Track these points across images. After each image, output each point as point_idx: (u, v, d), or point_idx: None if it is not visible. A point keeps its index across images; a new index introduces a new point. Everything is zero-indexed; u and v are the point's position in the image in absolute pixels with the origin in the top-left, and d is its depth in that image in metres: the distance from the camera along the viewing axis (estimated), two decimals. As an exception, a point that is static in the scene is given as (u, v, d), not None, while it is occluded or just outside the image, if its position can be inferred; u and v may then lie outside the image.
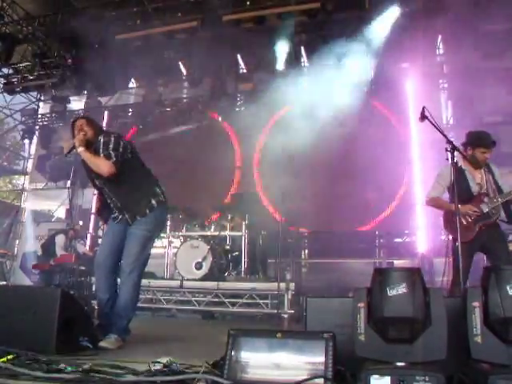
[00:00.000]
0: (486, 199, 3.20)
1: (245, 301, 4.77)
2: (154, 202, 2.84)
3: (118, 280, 2.84)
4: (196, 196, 7.56)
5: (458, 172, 3.25)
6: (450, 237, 3.27)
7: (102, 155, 2.68)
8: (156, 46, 7.62)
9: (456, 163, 3.29)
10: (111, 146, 2.70)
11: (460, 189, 3.13)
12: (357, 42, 6.89)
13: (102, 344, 2.59)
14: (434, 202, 3.36)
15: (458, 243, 2.88)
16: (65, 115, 9.38)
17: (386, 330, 1.71)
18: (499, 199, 3.21)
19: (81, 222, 7.92)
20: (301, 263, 6.97)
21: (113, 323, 2.75)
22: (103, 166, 2.67)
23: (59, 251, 5.78)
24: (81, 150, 2.75)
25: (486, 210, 3.14)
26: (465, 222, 3.18)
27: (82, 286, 5.37)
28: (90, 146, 2.79)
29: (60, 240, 5.86)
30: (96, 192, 3.05)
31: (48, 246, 5.92)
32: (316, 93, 7.10)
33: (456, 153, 3.19)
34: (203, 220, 5.94)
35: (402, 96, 7.47)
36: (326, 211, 6.73)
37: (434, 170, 6.28)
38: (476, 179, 3.29)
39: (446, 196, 3.41)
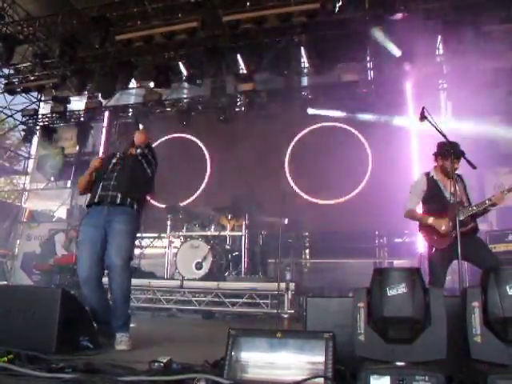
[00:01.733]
0: (460, 208, 3.22)
1: (245, 301, 4.77)
2: (139, 206, 2.99)
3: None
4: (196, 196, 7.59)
5: (431, 182, 3.37)
6: (430, 250, 3.31)
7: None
8: (156, 46, 7.63)
9: (428, 174, 3.40)
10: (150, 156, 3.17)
11: (434, 198, 3.28)
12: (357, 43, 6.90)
13: (120, 347, 2.63)
14: (409, 215, 3.40)
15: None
16: (65, 115, 9.39)
17: (385, 329, 1.71)
18: (474, 208, 3.28)
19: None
20: (301, 263, 6.97)
21: (116, 324, 2.76)
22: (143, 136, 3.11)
23: (60, 250, 5.78)
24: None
25: (461, 217, 3.15)
26: (440, 231, 3.23)
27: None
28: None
29: (60, 239, 5.86)
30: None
31: (48, 245, 5.92)
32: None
33: (433, 168, 3.37)
34: (203, 220, 5.94)
35: (401, 96, 7.47)
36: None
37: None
38: (447, 189, 3.31)
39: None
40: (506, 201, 3.30)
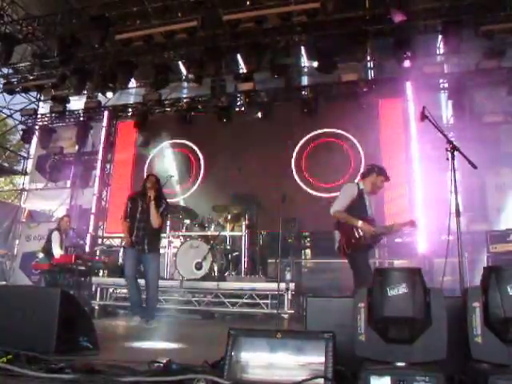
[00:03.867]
0: (374, 223, 3.54)
1: (245, 301, 4.76)
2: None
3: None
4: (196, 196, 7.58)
5: (360, 194, 3.60)
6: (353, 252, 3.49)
7: (159, 212, 4.13)
8: (156, 45, 7.62)
9: (358, 185, 3.65)
10: (164, 211, 4.21)
11: (359, 208, 3.54)
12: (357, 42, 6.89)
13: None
14: (339, 214, 3.55)
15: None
16: (64, 115, 9.38)
17: (386, 329, 1.71)
18: (386, 227, 3.71)
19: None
20: (301, 263, 6.96)
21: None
22: (157, 220, 4.10)
23: (56, 250, 5.76)
24: (152, 202, 4.11)
25: (378, 232, 3.52)
26: (358, 235, 3.46)
27: (82, 286, 5.36)
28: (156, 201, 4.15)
29: (55, 238, 5.83)
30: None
31: (47, 247, 5.90)
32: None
33: (361, 180, 3.64)
34: (203, 220, 5.93)
35: (401, 96, 7.47)
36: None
37: (434, 170, 6.33)
38: (370, 205, 3.65)
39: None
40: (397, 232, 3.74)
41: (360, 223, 3.42)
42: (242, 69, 8.62)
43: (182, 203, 7.59)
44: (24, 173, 10.32)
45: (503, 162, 6.81)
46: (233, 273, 5.58)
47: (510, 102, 6.90)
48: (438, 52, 7.91)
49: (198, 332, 4.27)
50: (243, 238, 5.48)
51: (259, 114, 7.77)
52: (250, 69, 8.11)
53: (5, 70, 9.06)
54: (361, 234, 3.43)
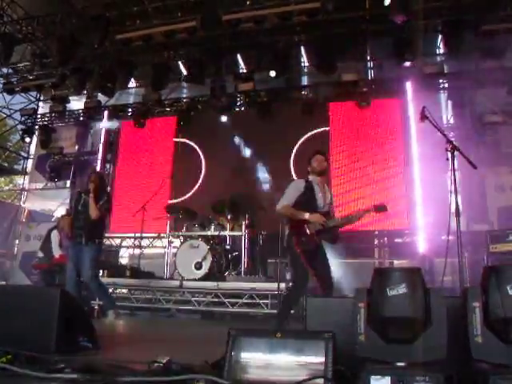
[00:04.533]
0: (327, 217, 3.34)
1: (245, 301, 4.76)
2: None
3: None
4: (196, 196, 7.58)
5: (308, 187, 3.43)
6: (298, 249, 3.31)
7: (98, 204, 4.27)
8: (156, 45, 7.62)
9: (307, 179, 3.50)
10: (105, 204, 4.35)
11: (308, 202, 3.36)
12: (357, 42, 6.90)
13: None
14: (285, 210, 3.39)
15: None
16: (64, 115, 9.37)
17: (386, 330, 1.71)
18: (339, 220, 3.42)
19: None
20: (301, 263, 6.94)
21: None
22: (94, 211, 4.24)
23: (56, 250, 5.75)
24: (91, 195, 4.28)
25: (331, 225, 3.31)
26: (309, 232, 3.30)
27: (81, 287, 5.36)
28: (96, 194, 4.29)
29: (55, 238, 5.83)
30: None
31: (46, 247, 5.89)
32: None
33: (308, 174, 3.49)
34: (203, 220, 5.93)
35: (401, 96, 7.47)
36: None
37: (434, 170, 6.33)
38: (321, 195, 3.45)
39: None
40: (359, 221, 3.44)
41: (307, 215, 3.25)
42: (242, 69, 8.62)
43: (182, 203, 7.60)
44: (24, 173, 10.32)
45: (503, 162, 6.81)
46: (233, 273, 5.57)
47: (510, 102, 6.90)
48: (437, 52, 7.91)
49: (198, 332, 4.27)
50: (243, 237, 5.48)
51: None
52: (250, 69, 8.12)
53: (4, 70, 9.06)
54: (312, 231, 3.27)
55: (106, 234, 8.68)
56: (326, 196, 3.51)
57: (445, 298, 1.78)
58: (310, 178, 3.52)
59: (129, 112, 9.31)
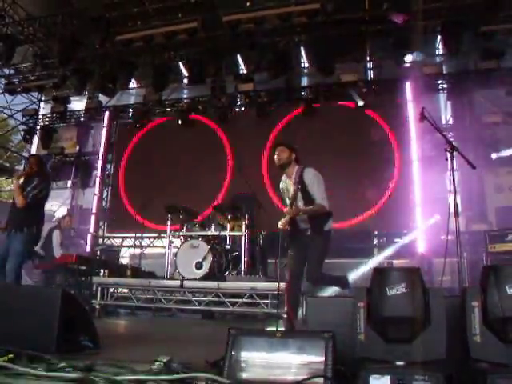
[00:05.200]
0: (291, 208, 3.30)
1: (245, 301, 4.77)
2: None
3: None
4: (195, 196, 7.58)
5: (284, 186, 3.51)
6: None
7: (25, 190, 3.95)
8: (156, 46, 7.63)
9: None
10: (33, 190, 3.96)
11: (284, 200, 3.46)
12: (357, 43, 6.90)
13: None
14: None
15: None
16: (65, 115, 9.39)
17: (385, 329, 1.71)
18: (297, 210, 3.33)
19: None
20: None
21: None
22: (18, 198, 3.95)
23: (57, 250, 5.77)
24: (16, 181, 4.06)
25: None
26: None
27: (82, 286, 5.38)
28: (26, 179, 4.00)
29: (56, 237, 5.83)
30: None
31: (47, 246, 5.90)
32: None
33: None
34: (203, 220, 5.94)
35: (401, 96, 7.47)
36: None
37: (433, 171, 6.34)
38: (289, 192, 3.42)
39: None
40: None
41: (284, 210, 3.36)
42: (242, 69, 8.63)
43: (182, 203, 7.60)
44: (24, 173, 10.32)
45: (502, 162, 6.82)
46: (233, 273, 5.58)
47: (509, 102, 6.90)
48: (437, 52, 7.92)
49: (198, 332, 4.28)
50: (243, 237, 5.48)
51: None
52: (250, 69, 8.13)
53: (6, 71, 9.07)
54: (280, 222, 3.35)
55: (107, 234, 8.73)
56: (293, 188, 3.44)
57: (444, 297, 1.79)
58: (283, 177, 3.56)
59: (129, 112, 9.33)
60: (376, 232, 7.27)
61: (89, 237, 8.40)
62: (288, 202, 3.35)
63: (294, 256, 3.37)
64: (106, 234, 8.72)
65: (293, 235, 3.38)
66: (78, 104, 9.57)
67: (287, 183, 3.48)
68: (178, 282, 5.05)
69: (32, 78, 8.87)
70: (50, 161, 9.47)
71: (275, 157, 3.44)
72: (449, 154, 3.10)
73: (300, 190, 3.29)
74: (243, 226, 5.49)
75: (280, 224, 3.31)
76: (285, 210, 3.33)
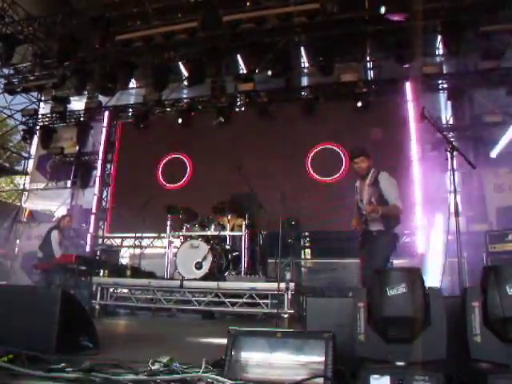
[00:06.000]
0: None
1: (245, 301, 4.76)
2: None
3: None
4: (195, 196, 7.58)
5: (356, 187, 3.72)
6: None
7: None
8: (156, 46, 7.63)
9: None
10: None
11: (355, 202, 3.66)
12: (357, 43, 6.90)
13: None
14: None
15: None
16: (65, 115, 9.39)
17: (385, 329, 1.71)
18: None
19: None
20: (301, 263, 6.97)
21: None
22: None
23: (57, 250, 5.76)
24: None
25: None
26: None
27: (82, 286, 5.37)
28: None
29: (55, 237, 5.83)
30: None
31: (46, 246, 5.90)
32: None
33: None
34: (203, 220, 5.92)
35: (401, 96, 7.47)
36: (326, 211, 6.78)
37: (433, 170, 6.34)
38: (362, 192, 3.61)
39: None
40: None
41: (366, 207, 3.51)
42: (242, 69, 8.63)
43: (182, 203, 7.59)
44: (25, 173, 10.33)
45: (502, 163, 6.82)
46: (233, 273, 5.57)
47: (510, 102, 6.91)
48: (437, 52, 7.92)
49: (198, 332, 4.27)
50: (243, 237, 5.48)
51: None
52: (250, 69, 8.12)
53: (6, 71, 9.07)
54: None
55: (107, 234, 8.73)
56: (366, 189, 3.63)
57: (444, 297, 1.79)
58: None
59: (129, 112, 9.32)
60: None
61: (89, 237, 8.40)
62: (363, 201, 3.53)
63: (366, 259, 3.58)
64: (106, 234, 8.72)
65: (364, 237, 3.59)
66: (77, 104, 9.56)
67: (361, 184, 3.66)
68: (177, 282, 5.05)
69: (31, 77, 8.87)
70: (49, 161, 9.48)
71: (356, 166, 3.61)
72: (449, 154, 3.10)
73: (374, 192, 3.49)
74: (243, 226, 5.49)
75: (353, 224, 3.52)
76: (366, 207, 3.45)
